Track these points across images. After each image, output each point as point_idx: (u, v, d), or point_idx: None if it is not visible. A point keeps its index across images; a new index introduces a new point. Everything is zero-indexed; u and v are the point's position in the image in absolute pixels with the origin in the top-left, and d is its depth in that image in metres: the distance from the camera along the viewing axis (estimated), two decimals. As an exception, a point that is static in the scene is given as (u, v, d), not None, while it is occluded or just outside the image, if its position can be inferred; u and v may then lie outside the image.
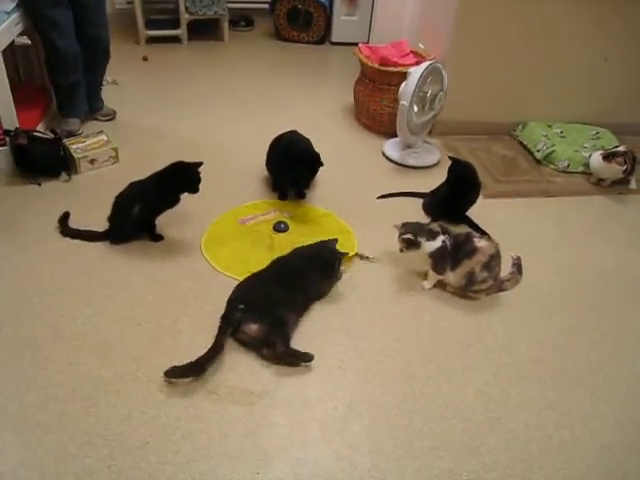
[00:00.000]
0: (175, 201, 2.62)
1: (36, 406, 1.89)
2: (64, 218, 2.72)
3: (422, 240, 2.40)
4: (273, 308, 2.14)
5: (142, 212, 2.59)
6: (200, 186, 2.56)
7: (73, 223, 2.72)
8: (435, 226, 2.43)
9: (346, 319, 2.35)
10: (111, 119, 3.80)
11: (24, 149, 3.01)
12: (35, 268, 2.48)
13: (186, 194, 2.60)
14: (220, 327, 2.13)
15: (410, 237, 2.40)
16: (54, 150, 3.12)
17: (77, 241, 2.64)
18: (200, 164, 2.57)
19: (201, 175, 2.55)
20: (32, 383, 1.97)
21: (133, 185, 2.63)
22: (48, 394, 1.93)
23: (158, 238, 2.70)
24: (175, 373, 1.98)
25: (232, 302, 2.20)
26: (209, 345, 2.06)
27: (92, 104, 3.73)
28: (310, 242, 2.52)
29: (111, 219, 2.65)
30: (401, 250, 2.46)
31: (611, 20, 3.69)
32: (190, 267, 2.56)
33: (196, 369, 2.00)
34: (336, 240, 2.49)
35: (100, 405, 1.90)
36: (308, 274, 2.34)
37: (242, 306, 2.13)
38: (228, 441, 1.83)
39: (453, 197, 2.90)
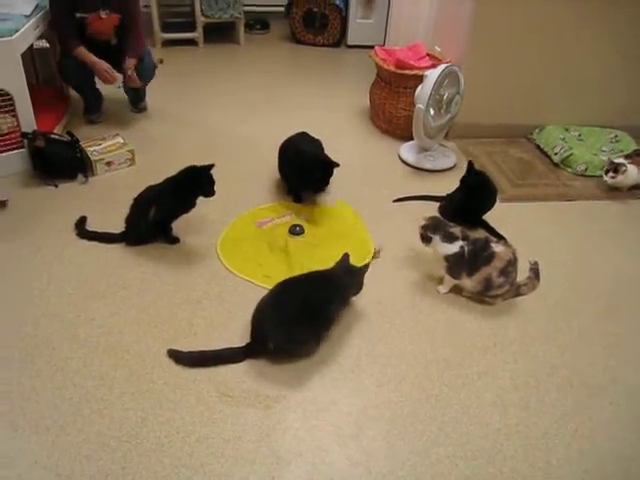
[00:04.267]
0: (190, 205, 2.62)
1: (52, 407, 1.89)
2: (81, 222, 2.74)
3: (435, 238, 2.38)
4: (300, 342, 2.12)
5: (157, 215, 2.60)
6: (216, 188, 2.56)
7: (89, 225, 2.74)
8: (457, 230, 2.40)
9: (361, 323, 2.33)
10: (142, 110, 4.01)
11: (41, 151, 3.04)
12: (52, 269, 2.50)
13: (202, 198, 2.59)
14: (246, 349, 2.11)
15: (422, 231, 2.40)
16: (71, 152, 3.14)
17: (94, 243, 2.66)
18: (212, 166, 2.55)
19: (214, 177, 2.55)
20: (48, 383, 1.97)
21: (150, 188, 2.64)
22: (63, 395, 1.94)
23: (174, 241, 2.70)
24: (182, 358, 2.05)
25: (260, 333, 2.11)
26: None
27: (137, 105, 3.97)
28: (326, 246, 2.50)
29: (128, 221, 2.66)
30: (423, 242, 2.46)
31: (628, 19, 3.65)
32: (206, 270, 2.56)
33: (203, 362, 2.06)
34: (348, 256, 2.37)
35: (115, 407, 1.91)
36: (332, 306, 2.21)
37: (272, 346, 2.07)
38: (243, 444, 1.82)
39: (467, 203, 2.89)
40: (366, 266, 2.36)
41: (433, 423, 1.94)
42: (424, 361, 2.18)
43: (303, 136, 3.12)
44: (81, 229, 2.71)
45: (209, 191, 2.56)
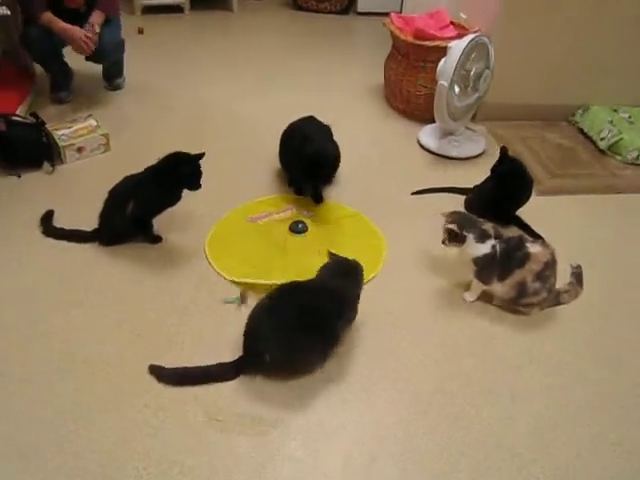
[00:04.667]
0: (174, 198, 2.63)
1: (21, 427, 1.90)
2: (47, 217, 2.75)
3: (469, 236, 2.36)
4: (301, 354, 2.11)
5: (136, 210, 2.60)
6: (203, 180, 2.56)
7: (57, 221, 2.75)
8: (489, 227, 2.39)
9: (373, 336, 2.33)
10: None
11: (1, 136, 3.05)
12: (13, 272, 2.51)
13: (187, 191, 2.60)
14: (239, 365, 2.12)
15: (454, 229, 2.38)
16: (36, 137, 3.16)
17: (61, 244, 2.66)
18: (201, 156, 2.56)
19: (202, 168, 2.55)
20: (16, 401, 1.98)
21: (127, 179, 2.64)
22: (34, 414, 1.94)
23: (156, 240, 2.71)
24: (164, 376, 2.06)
25: (254, 344, 2.11)
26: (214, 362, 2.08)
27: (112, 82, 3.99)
28: (332, 248, 2.50)
29: (102, 216, 2.67)
30: (443, 242, 2.44)
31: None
32: (192, 272, 2.57)
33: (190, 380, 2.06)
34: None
35: (92, 429, 1.91)
36: (340, 316, 2.19)
37: (268, 358, 2.07)
38: (234, 477, 1.82)
39: (498, 196, 2.88)
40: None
41: (453, 446, 1.94)
42: (445, 377, 2.18)
43: (309, 121, 3.12)
44: (47, 225, 2.72)
45: (194, 183, 2.56)
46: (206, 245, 2.69)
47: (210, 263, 2.61)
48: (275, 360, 2.07)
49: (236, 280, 2.51)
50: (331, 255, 2.32)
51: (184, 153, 2.57)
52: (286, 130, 3.14)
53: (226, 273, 2.55)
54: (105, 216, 2.66)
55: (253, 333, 2.11)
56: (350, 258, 2.31)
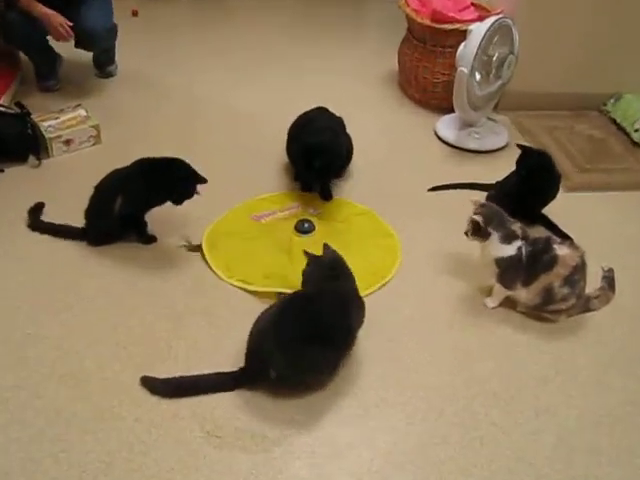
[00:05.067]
0: (162, 199, 2.62)
1: (13, 437, 1.90)
2: (36, 209, 2.75)
3: (494, 234, 2.35)
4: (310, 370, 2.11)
5: (125, 206, 2.59)
6: (203, 173, 2.56)
7: (44, 218, 2.75)
8: (517, 227, 2.38)
9: (388, 345, 2.33)
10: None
11: (-17, 127, 3.05)
12: (-5, 275, 2.51)
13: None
14: (239, 376, 2.11)
15: (479, 221, 2.36)
16: (20, 128, 3.16)
17: (48, 243, 2.67)
18: (203, 181, 2.57)
19: (198, 163, 2.55)
20: (9, 408, 1.98)
21: (115, 173, 2.64)
22: (9, 435, 1.93)
23: (150, 240, 2.71)
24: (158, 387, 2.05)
25: (257, 359, 2.10)
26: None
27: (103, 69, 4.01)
28: (341, 249, 2.51)
29: (88, 215, 2.67)
30: (466, 234, 2.43)
31: None
32: (188, 276, 2.56)
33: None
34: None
35: (74, 449, 1.90)
36: (350, 324, 2.18)
37: (274, 374, 2.07)
38: (235, 499, 1.82)
39: (524, 192, 2.86)
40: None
41: (477, 473, 1.92)
42: (467, 394, 2.16)
43: (319, 112, 3.12)
44: (34, 219, 2.72)
45: (179, 198, 2.57)
46: (203, 244, 2.68)
47: (208, 265, 2.60)
48: (282, 377, 2.06)
49: (235, 284, 2.51)
50: (309, 256, 2.30)
51: (188, 165, 2.57)
52: (294, 121, 3.13)
53: (226, 275, 2.54)
54: (92, 214, 2.66)
55: (257, 345, 2.09)
56: (328, 252, 2.32)
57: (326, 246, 2.34)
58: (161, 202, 2.62)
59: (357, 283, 2.27)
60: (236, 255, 2.65)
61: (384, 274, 2.61)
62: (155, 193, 2.60)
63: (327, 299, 2.14)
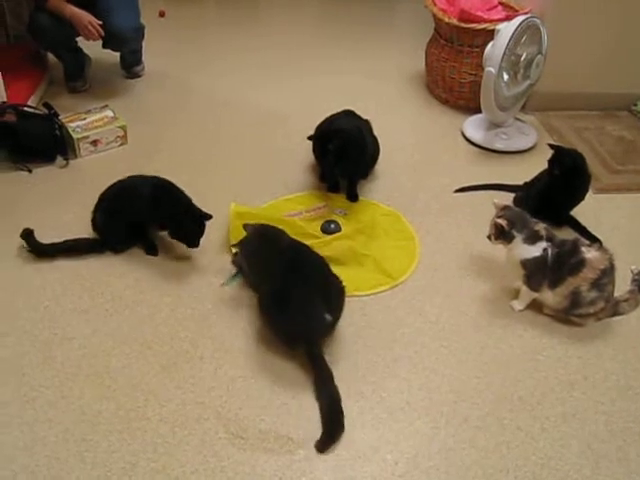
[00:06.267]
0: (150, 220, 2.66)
1: (20, 448, 1.91)
2: (27, 234, 2.66)
3: (517, 236, 2.34)
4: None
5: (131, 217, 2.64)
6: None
7: (68, 219, 2.77)
8: (541, 228, 2.37)
9: (412, 347, 2.32)
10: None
11: (12, 128, 3.08)
12: (23, 276, 2.53)
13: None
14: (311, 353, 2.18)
15: (503, 224, 2.35)
16: (48, 129, 3.18)
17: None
18: (207, 217, 2.57)
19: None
20: (16, 418, 1.99)
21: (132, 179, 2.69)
22: (35, 433, 1.95)
23: (150, 250, 2.69)
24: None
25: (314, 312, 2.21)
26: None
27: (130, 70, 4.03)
28: (366, 249, 2.52)
29: (101, 222, 2.70)
30: (489, 237, 2.43)
31: None
32: (214, 276, 2.57)
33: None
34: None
35: (99, 449, 1.92)
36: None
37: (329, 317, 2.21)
38: (258, 501, 1.83)
39: (555, 192, 2.84)
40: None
41: (503, 478, 1.90)
42: (493, 398, 2.15)
43: (345, 113, 3.12)
44: (36, 248, 2.64)
45: (172, 232, 2.61)
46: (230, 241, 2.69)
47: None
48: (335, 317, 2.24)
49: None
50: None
51: (194, 206, 2.58)
52: (320, 122, 3.12)
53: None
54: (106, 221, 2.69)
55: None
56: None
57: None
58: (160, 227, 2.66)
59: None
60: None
61: (396, 276, 2.60)
62: (150, 214, 2.63)
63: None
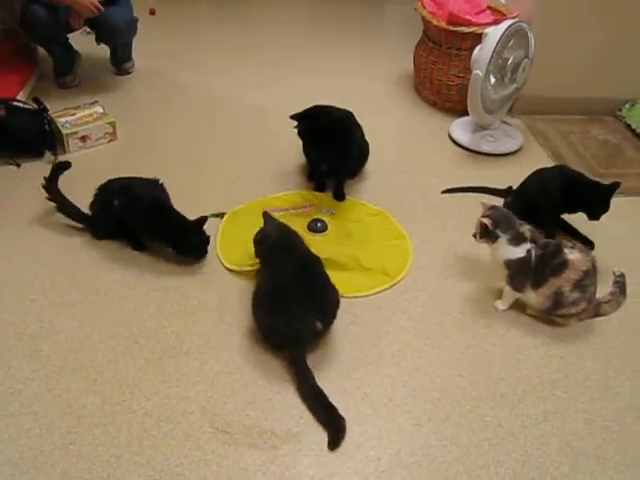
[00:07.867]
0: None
1: (5, 440, 1.91)
2: (58, 169, 2.75)
3: (502, 236, 2.36)
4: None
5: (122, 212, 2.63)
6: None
7: (58, 214, 2.76)
8: (526, 230, 2.38)
9: (397, 345, 2.33)
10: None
11: (1, 122, 3.08)
12: (10, 268, 2.53)
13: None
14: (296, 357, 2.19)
15: (487, 224, 2.36)
16: (37, 124, 3.18)
17: (62, 237, 2.69)
18: (203, 220, 2.59)
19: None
20: (1, 410, 1.99)
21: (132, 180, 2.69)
22: (20, 426, 1.95)
23: (137, 246, 2.68)
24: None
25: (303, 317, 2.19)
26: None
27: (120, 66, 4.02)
28: (353, 248, 2.52)
29: (94, 208, 2.70)
30: (474, 236, 2.45)
31: None
32: (202, 272, 2.58)
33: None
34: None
35: (84, 442, 1.92)
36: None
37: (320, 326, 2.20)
38: (242, 495, 1.83)
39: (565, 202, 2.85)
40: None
41: (484, 475, 1.92)
42: (475, 396, 2.16)
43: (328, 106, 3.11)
44: (52, 182, 2.72)
45: (168, 243, 2.61)
46: (218, 241, 2.70)
47: (221, 262, 2.61)
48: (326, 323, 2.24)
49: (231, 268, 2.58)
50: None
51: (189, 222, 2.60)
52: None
53: (235, 265, 2.59)
54: (97, 208, 2.69)
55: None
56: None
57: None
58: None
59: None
60: (245, 247, 2.62)
61: (394, 275, 2.61)
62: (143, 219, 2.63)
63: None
